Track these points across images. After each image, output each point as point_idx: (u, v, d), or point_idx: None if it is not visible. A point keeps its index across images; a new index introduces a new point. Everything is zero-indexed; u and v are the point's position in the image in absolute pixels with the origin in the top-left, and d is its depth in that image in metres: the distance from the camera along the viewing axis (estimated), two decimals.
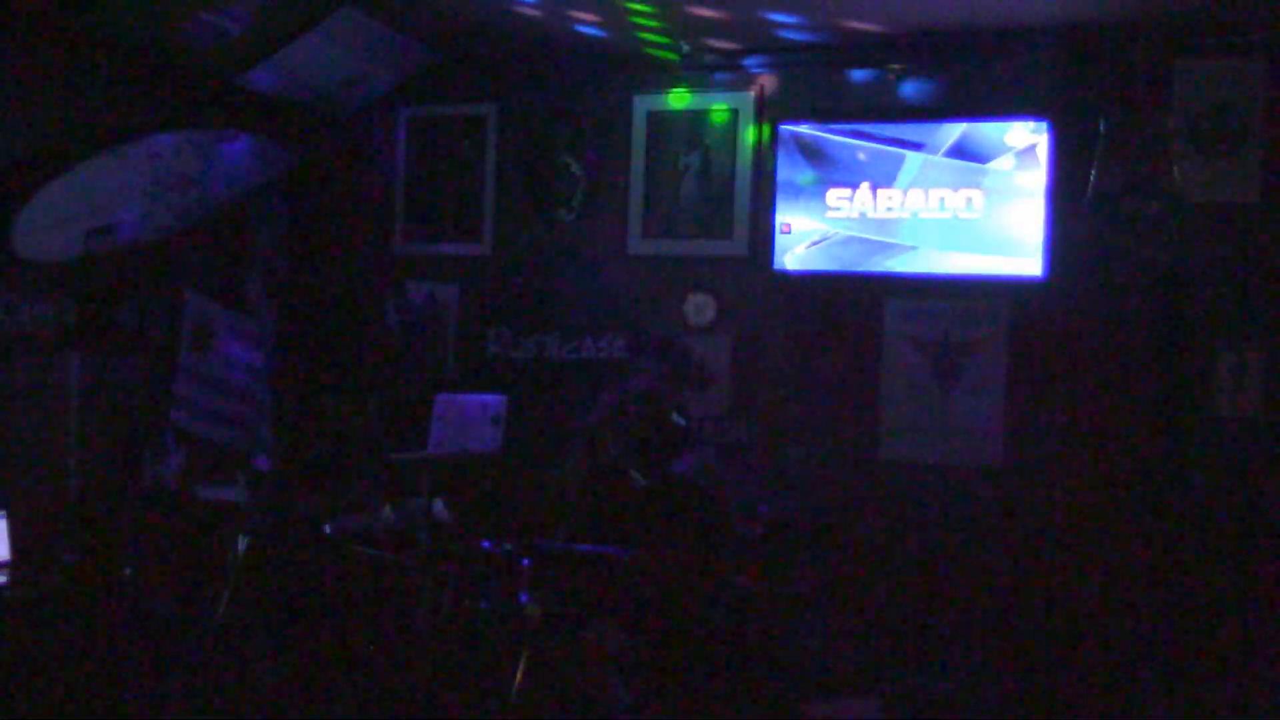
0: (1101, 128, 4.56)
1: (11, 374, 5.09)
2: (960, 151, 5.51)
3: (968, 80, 5.57)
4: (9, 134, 5.01)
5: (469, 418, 4.89)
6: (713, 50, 5.81)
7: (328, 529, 4.83)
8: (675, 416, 4.41)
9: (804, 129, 5.75)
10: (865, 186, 5.66)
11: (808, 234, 5.73)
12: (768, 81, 5.89)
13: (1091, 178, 4.58)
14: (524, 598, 4.33)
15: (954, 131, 5.52)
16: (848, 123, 5.69)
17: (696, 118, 6.01)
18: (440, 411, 4.91)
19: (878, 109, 5.70)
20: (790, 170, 5.76)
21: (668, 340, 5.72)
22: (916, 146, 5.58)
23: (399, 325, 6.43)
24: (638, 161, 6.07)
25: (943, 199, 5.54)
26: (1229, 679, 5.04)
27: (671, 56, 5.70)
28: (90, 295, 5.37)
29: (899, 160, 5.61)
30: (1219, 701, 5.03)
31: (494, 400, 4.94)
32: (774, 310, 5.85)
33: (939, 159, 5.54)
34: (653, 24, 5.27)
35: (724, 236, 5.95)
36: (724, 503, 4.51)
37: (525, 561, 4.32)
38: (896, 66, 5.65)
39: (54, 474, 5.25)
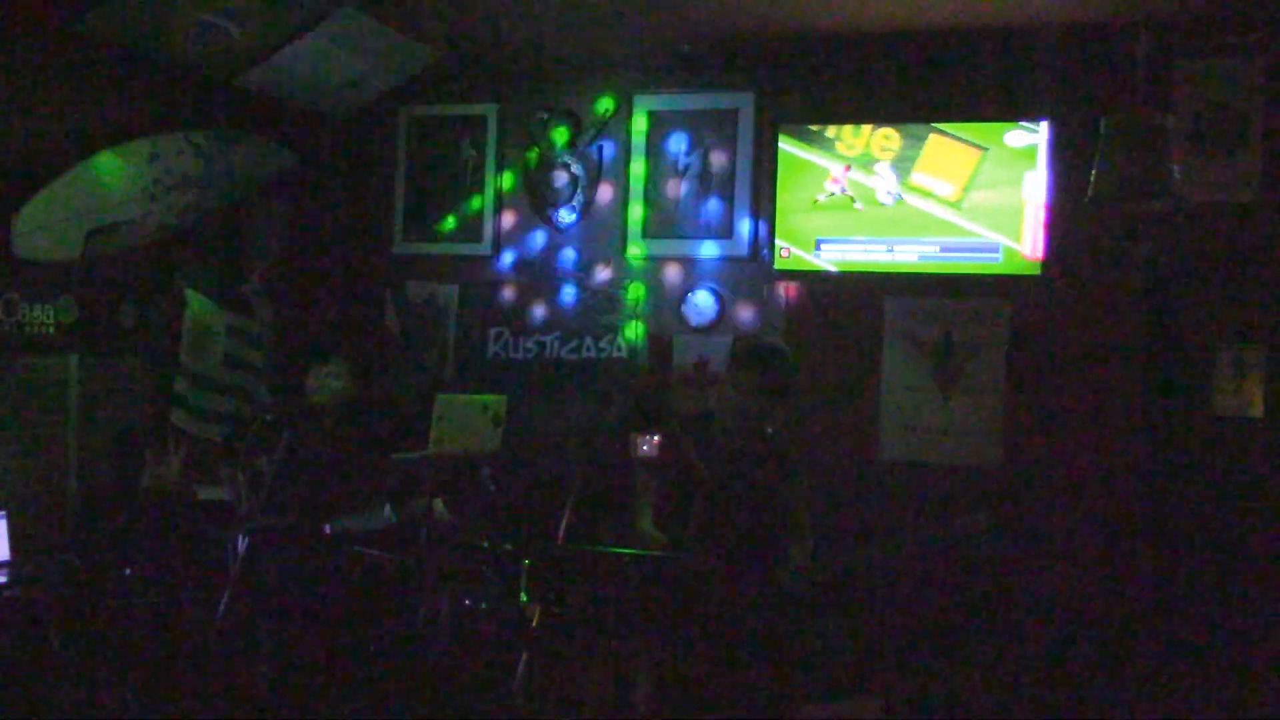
0: (1101, 128, 4.55)
1: (11, 374, 5.09)
2: (960, 152, 5.51)
3: (967, 80, 5.57)
4: (9, 134, 5.01)
5: (469, 418, 4.87)
6: (713, 50, 5.81)
7: (328, 529, 4.83)
8: (768, 429, 4.37)
9: (804, 129, 5.75)
10: (865, 187, 5.66)
11: (808, 235, 5.73)
12: (768, 81, 5.89)
13: (1091, 178, 4.57)
14: (524, 597, 4.33)
15: (954, 131, 5.52)
16: (847, 123, 5.69)
17: (696, 118, 6.01)
18: (440, 411, 4.89)
19: (877, 109, 5.70)
20: (790, 170, 5.76)
21: (772, 350, 4.82)
22: (916, 146, 5.58)
23: (398, 325, 6.42)
24: (637, 161, 6.08)
25: (943, 199, 5.54)
26: (1227, 679, 5.03)
27: None
28: (90, 295, 5.37)
29: (899, 160, 5.61)
30: (1217, 702, 5.02)
31: (494, 400, 4.92)
32: (774, 310, 5.85)
33: (939, 159, 5.54)
34: None
35: (724, 236, 5.95)
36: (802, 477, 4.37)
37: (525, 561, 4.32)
38: (896, 66, 5.65)
39: (54, 474, 5.25)
